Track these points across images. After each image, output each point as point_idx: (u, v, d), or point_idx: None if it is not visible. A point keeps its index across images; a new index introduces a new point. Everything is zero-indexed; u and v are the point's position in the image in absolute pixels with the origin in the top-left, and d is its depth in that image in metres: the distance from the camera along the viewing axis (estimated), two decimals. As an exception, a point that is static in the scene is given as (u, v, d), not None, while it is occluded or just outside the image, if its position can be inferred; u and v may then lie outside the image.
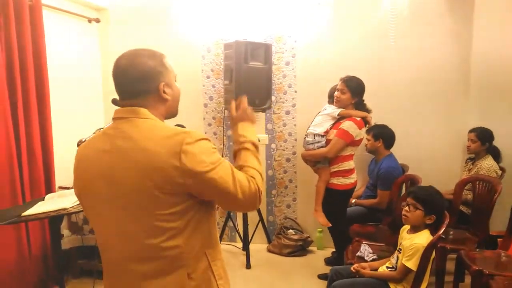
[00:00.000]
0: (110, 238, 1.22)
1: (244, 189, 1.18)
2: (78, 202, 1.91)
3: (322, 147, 3.12)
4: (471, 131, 3.47)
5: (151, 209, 1.13)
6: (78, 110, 3.57)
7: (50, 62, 3.07)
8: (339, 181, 3.11)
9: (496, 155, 3.41)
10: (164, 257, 1.17)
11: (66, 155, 3.28)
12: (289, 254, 3.83)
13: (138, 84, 1.20)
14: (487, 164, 3.30)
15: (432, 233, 2.23)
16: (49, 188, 3.10)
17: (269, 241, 4.02)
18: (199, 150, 1.13)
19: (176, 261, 1.19)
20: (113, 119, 1.23)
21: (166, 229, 1.15)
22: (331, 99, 3.27)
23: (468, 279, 3.06)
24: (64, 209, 1.85)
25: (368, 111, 3.16)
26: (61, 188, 3.20)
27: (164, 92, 1.23)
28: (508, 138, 3.50)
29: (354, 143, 3.07)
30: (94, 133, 2.12)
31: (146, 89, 1.21)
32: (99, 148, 1.20)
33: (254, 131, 1.43)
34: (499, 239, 3.21)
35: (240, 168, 1.28)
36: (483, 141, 3.38)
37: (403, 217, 2.34)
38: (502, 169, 3.37)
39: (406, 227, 2.40)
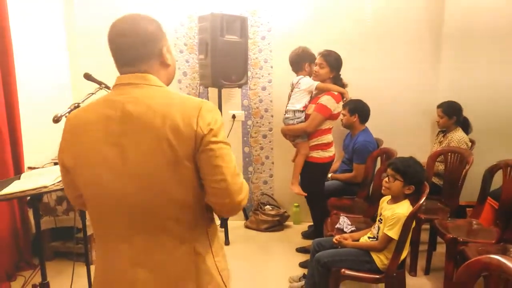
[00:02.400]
0: (113, 209, 1.15)
1: (238, 181, 1.16)
2: (59, 180, 1.83)
3: (301, 122, 3.12)
4: (438, 106, 3.57)
5: (162, 176, 1.09)
6: (45, 88, 3.38)
7: (13, 37, 2.88)
8: (319, 154, 3.13)
9: (466, 126, 3.53)
10: (170, 230, 1.14)
11: (35, 134, 3.16)
12: (266, 230, 3.86)
13: (141, 46, 1.15)
14: (458, 136, 3.41)
15: (412, 203, 2.29)
16: (18, 169, 2.97)
17: (246, 217, 4.03)
18: (214, 120, 1.13)
19: (183, 235, 1.16)
20: (118, 85, 1.16)
21: (175, 201, 1.12)
22: (294, 66, 3.23)
23: (439, 248, 3.20)
24: (45, 186, 1.75)
25: (344, 85, 3.17)
26: (30, 168, 3.06)
27: (166, 57, 1.20)
28: (477, 110, 3.63)
29: (333, 116, 3.09)
30: (70, 107, 2.03)
31: (150, 52, 1.16)
32: (104, 113, 1.13)
33: None
34: (467, 209, 3.36)
35: None
36: (449, 115, 3.48)
37: (383, 188, 2.39)
38: (472, 141, 3.49)
39: (386, 198, 2.45)
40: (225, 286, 1.28)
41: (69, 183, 1.27)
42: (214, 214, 1.29)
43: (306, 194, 3.22)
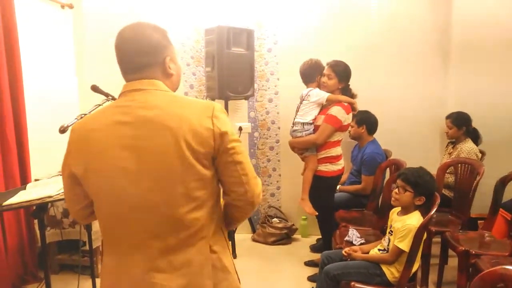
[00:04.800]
0: (127, 213, 1.15)
1: (255, 178, 1.24)
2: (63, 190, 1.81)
3: (310, 134, 3.08)
4: (447, 117, 3.53)
5: (180, 176, 1.11)
6: (52, 100, 3.40)
7: (21, 49, 2.91)
8: (327, 168, 3.08)
9: (475, 138, 3.48)
10: (187, 229, 1.15)
11: (41, 146, 3.17)
12: (274, 243, 3.81)
13: (144, 56, 1.17)
14: (468, 147, 3.36)
15: (422, 215, 2.24)
16: (25, 181, 2.96)
17: (254, 230, 3.99)
18: (227, 120, 1.18)
19: (199, 233, 1.17)
20: (125, 92, 1.18)
21: (192, 199, 1.14)
22: (305, 77, 3.20)
23: (451, 261, 3.12)
24: (50, 196, 1.74)
25: (353, 96, 3.15)
26: (37, 181, 3.06)
27: (169, 66, 1.21)
28: (486, 118, 3.58)
29: (343, 128, 3.05)
30: (76, 118, 2.03)
31: (152, 62, 1.18)
32: (114, 119, 1.14)
33: None
34: (479, 221, 3.29)
35: None
36: (459, 126, 3.44)
37: (393, 199, 2.34)
38: (482, 152, 3.43)
39: (396, 209, 2.40)
40: (239, 283, 1.31)
41: (72, 196, 1.26)
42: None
43: (317, 213, 3.16)
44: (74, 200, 1.27)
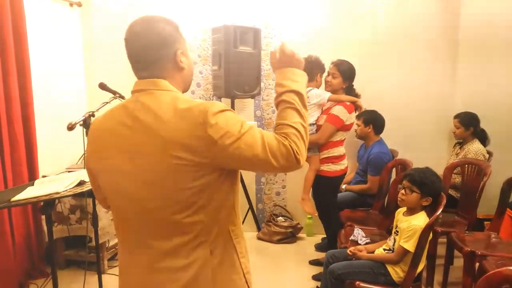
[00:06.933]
0: (130, 215, 1.16)
1: (275, 152, 1.08)
2: (71, 186, 1.84)
3: (313, 134, 3.06)
4: (455, 117, 3.51)
5: (174, 184, 1.07)
6: (60, 98, 3.43)
7: (30, 47, 2.94)
8: (329, 168, 3.06)
9: (483, 138, 3.45)
10: (186, 233, 1.12)
11: (49, 143, 3.20)
12: (279, 241, 3.81)
13: (154, 51, 1.14)
14: (475, 147, 3.34)
15: (429, 215, 2.24)
16: (33, 177, 2.99)
17: (259, 228, 3.99)
18: (224, 120, 1.07)
19: (199, 237, 1.14)
20: (133, 92, 1.17)
21: (189, 204, 1.10)
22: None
23: (457, 262, 3.11)
24: (57, 192, 1.76)
25: (357, 96, 3.13)
26: (45, 177, 3.09)
27: (180, 60, 1.17)
28: (493, 123, 3.56)
29: (345, 127, 3.03)
30: (84, 116, 2.06)
31: (163, 56, 1.15)
32: (120, 121, 1.13)
33: (299, 76, 1.26)
34: (485, 222, 3.28)
35: (277, 126, 1.17)
36: (467, 126, 3.42)
37: (399, 200, 2.34)
38: (489, 153, 3.41)
39: (402, 209, 2.39)
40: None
41: (95, 186, 1.30)
42: (238, 214, 1.26)
43: (316, 214, 3.17)
44: (96, 190, 1.31)
